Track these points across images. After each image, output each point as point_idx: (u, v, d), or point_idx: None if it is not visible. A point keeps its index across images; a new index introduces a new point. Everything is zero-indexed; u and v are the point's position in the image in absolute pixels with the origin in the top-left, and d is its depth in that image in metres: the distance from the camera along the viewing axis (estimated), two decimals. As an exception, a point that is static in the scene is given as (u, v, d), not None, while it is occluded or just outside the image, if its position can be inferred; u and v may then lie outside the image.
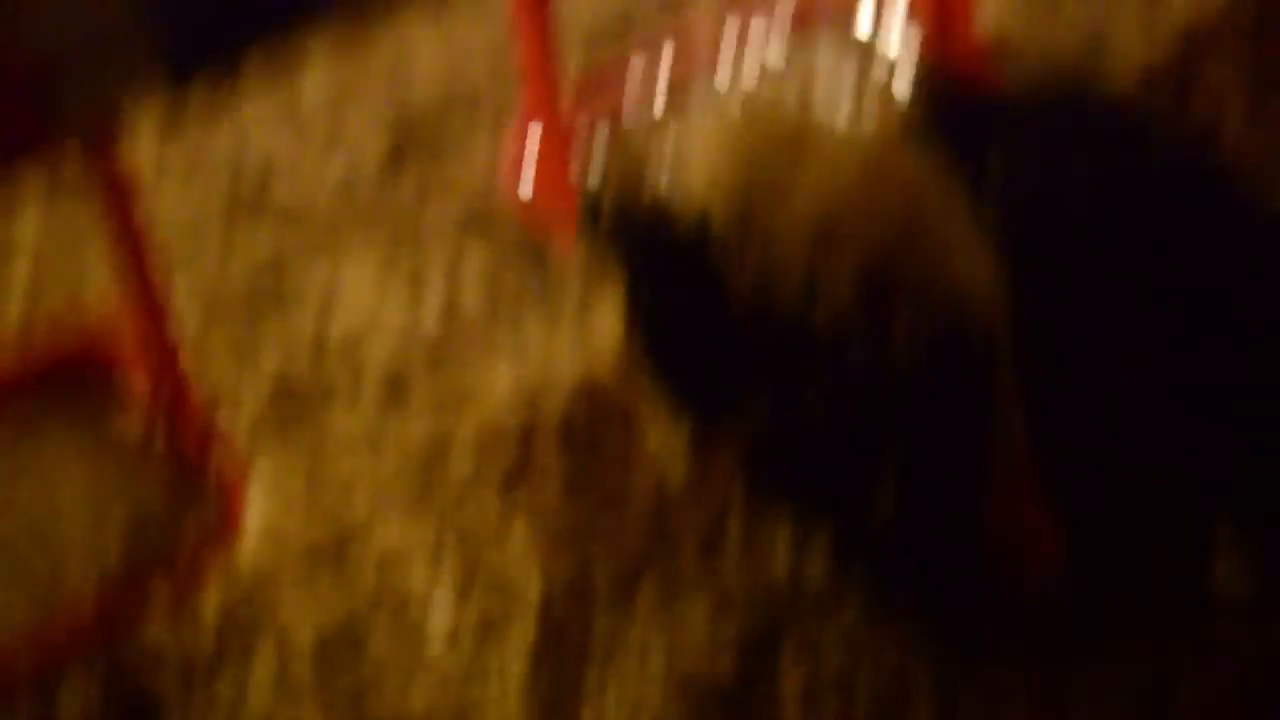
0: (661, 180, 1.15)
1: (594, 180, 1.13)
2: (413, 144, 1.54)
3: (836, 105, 1.38)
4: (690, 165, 1.18)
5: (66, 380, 1.29)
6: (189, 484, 1.18)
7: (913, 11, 1.43)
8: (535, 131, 1.30)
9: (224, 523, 1.17)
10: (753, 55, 1.43)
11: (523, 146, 1.36)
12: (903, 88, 1.40)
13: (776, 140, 1.15)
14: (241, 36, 1.08)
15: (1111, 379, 1.07)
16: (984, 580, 1.07)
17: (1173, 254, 1.10)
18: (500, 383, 1.36)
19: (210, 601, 1.25)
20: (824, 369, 1.04)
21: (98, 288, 1.40)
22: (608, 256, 1.12)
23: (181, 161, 1.54)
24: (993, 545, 1.06)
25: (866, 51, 1.44)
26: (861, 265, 1.06)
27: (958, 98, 1.38)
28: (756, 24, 1.45)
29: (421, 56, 1.62)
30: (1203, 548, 1.07)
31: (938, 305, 1.08)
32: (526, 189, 1.34)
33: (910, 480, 1.03)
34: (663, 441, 1.21)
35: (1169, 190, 1.15)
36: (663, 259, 1.10)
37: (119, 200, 1.10)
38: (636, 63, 1.43)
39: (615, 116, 1.38)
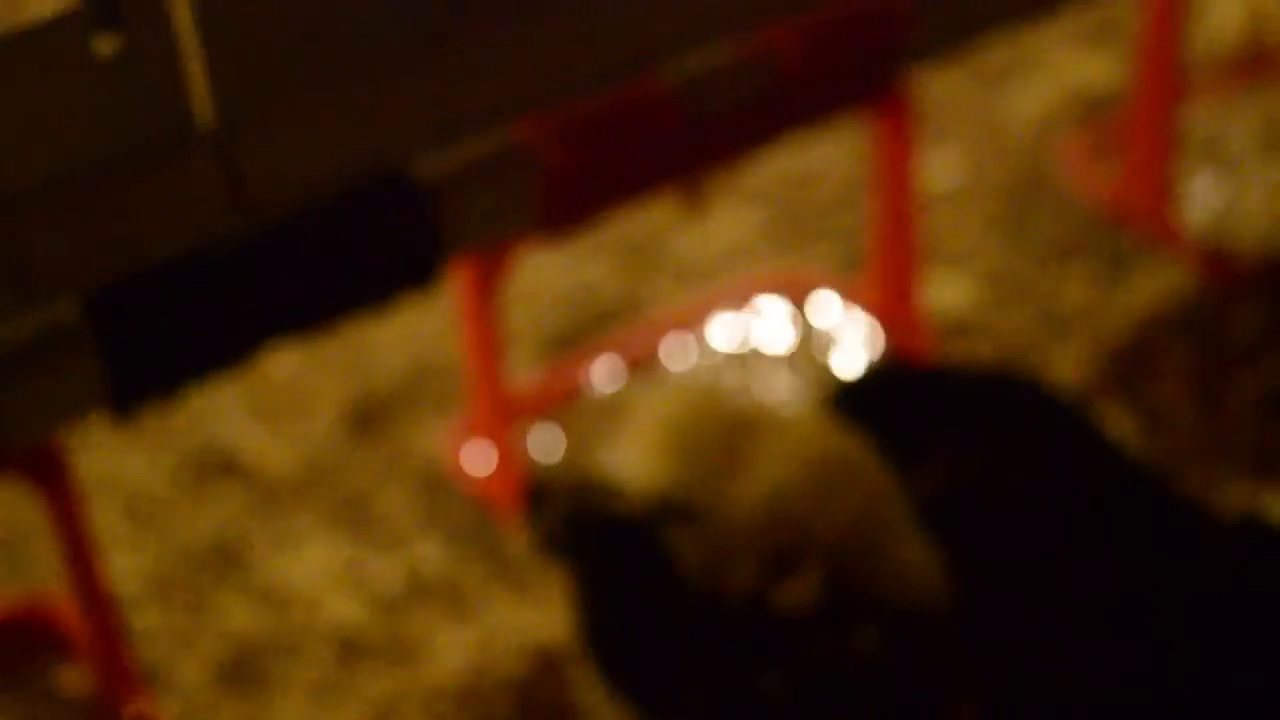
0: (606, 468, 1.18)
1: (537, 474, 1.16)
2: (375, 410, 1.58)
3: (780, 386, 1.43)
4: (635, 452, 1.23)
5: (9, 635, 1.32)
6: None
7: (859, 293, 1.49)
8: (482, 424, 1.34)
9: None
10: (702, 349, 1.47)
11: (469, 435, 1.40)
12: (845, 364, 1.46)
13: (722, 425, 1.18)
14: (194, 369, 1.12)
15: (1054, 664, 1.08)
16: None
17: (1114, 543, 1.12)
18: (455, 643, 1.39)
19: None
20: (779, 654, 1.06)
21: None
22: (552, 546, 1.15)
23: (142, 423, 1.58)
24: None
25: (812, 331, 1.49)
26: (818, 549, 1.09)
27: (898, 374, 1.41)
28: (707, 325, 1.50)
29: (387, 326, 1.68)
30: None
31: (893, 588, 1.10)
32: (478, 471, 1.38)
33: None
34: None
35: (1112, 479, 1.16)
36: (609, 545, 1.12)
37: (62, 508, 1.14)
38: (587, 360, 1.48)
39: (564, 409, 1.43)
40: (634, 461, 1.20)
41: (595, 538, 1.13)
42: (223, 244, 1.08)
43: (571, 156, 1.17)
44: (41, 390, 1.05)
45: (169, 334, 1.07)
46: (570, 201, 1.19)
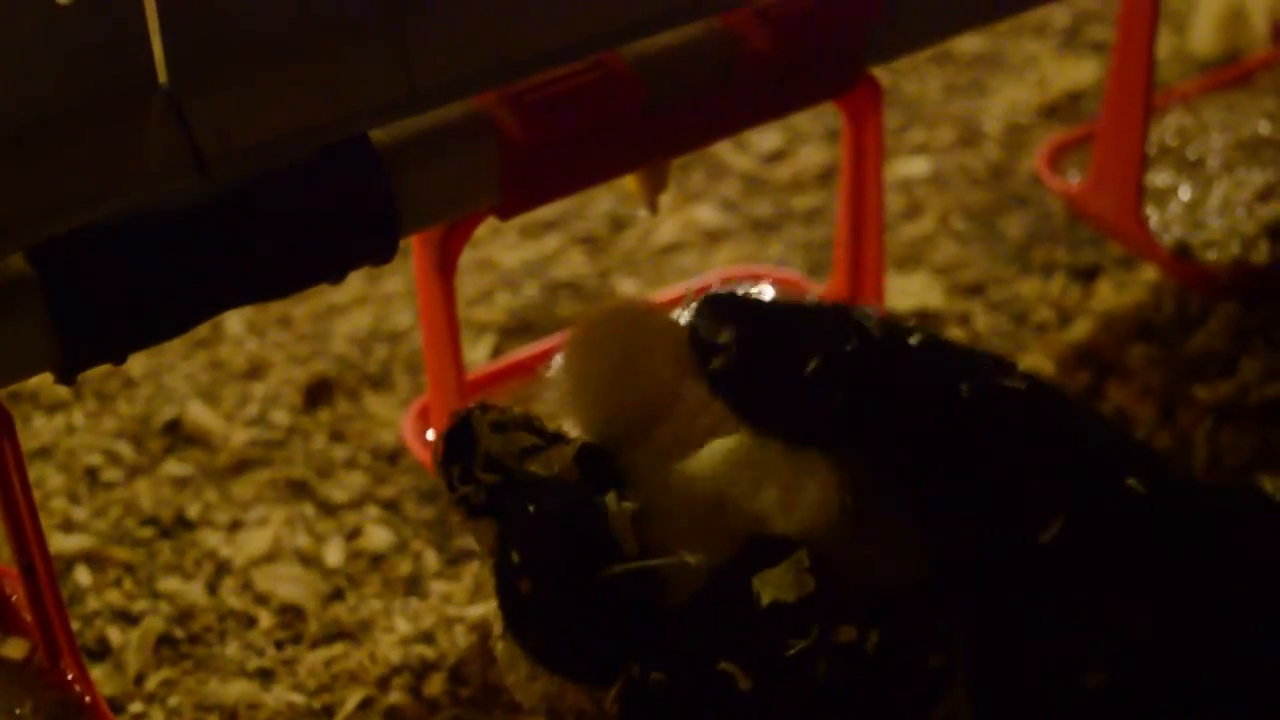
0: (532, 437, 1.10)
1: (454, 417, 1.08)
2: (327, 386, 1.57)
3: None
4: (564, 394, 1.07)
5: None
6: (71, 706, 1.19)
7: (824, 288, 1.47)
8: (437, 403, 1.33)
9: (105, 744, 1.18)
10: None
11: (424, 415, 1.39)
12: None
13: (658, 364, 1.04)
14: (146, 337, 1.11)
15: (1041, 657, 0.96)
16: None
17: (1084, 531, 1.03)
18: (397, 620, 1.37)
19: (83, 820, 1.27)
20: (753, 643, 0.95)
21: None
22: (469, 508, 1.01)
23: (97, 381, 1.58)
24: None
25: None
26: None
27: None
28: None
29: (345, 301, 1.67)
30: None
31: (864, 568, 0.98)
32: (430, 450, 1.36)
33: None
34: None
35: (1078, 466, 1.09)
36: (535, 511, 0.99)
37: (2, 468, 1.12)
38: (545, 344, 1.46)
39: (520, 393, 1.41)
40: (564, 403, 1.07)
41: (518, 500, 0.99)
42: (176, 205, 1.06)
43: (530, 133, 1.15)
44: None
45: (118, 292, 1.04)
46: (529, 179, 1.18)
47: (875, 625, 0.95)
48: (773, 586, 0.96)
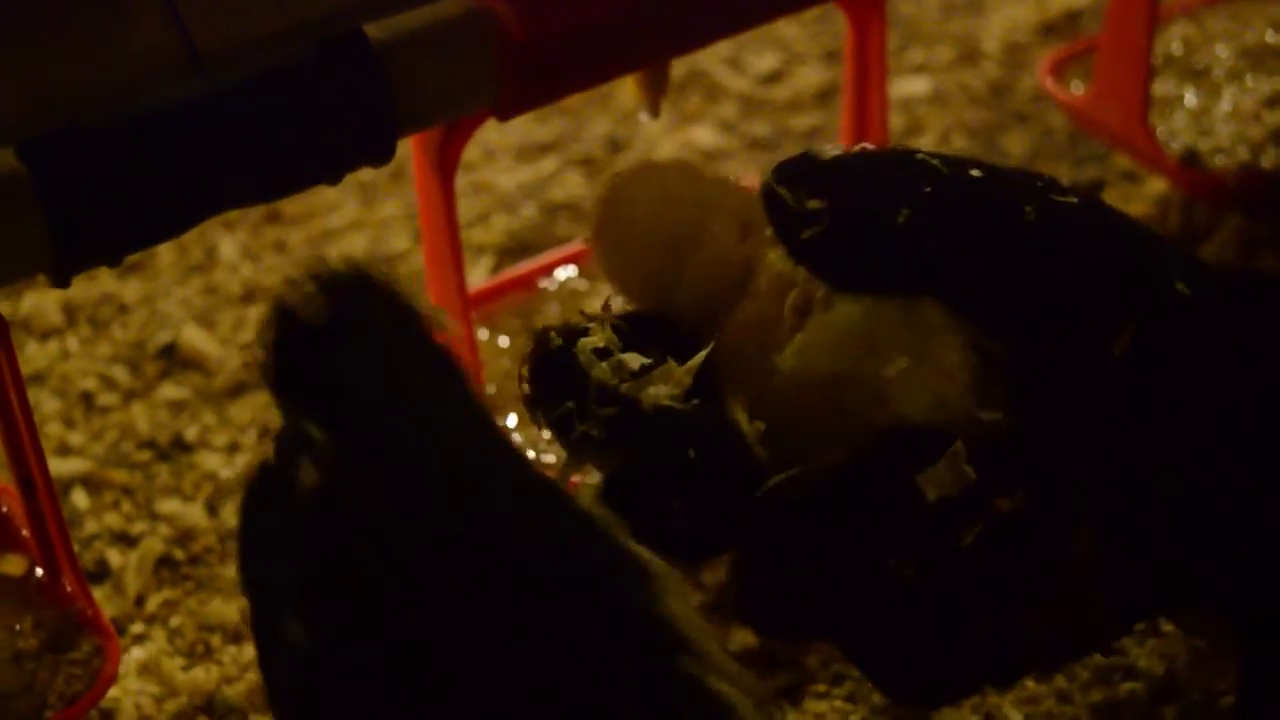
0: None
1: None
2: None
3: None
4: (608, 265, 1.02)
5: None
6: (71, 622, 1.18)
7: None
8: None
9: (105, 661, 1.16)
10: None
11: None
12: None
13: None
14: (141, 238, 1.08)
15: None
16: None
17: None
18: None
19: (86, 740, 1.25)
20: (914, 537, 0.92)
21: None
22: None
23: (91, 307, 1.56)
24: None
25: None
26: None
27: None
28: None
29: (341, 225, 1.65)
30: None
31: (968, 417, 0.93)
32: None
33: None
34: None
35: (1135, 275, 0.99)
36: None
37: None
38: (546, 259, 1.44)
39: (521, 306, 1.39)
40: (605, 273, 1.01)
41: (656, 443, 0.93)
42: (171, 102, 1.04)
43: (530, 28, 1.13)
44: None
45: (112, 190, 1.02)
46: (528, 76, 1.15)
47: (1019, 487, 0.92)
48: (936, 484, 0.92)
